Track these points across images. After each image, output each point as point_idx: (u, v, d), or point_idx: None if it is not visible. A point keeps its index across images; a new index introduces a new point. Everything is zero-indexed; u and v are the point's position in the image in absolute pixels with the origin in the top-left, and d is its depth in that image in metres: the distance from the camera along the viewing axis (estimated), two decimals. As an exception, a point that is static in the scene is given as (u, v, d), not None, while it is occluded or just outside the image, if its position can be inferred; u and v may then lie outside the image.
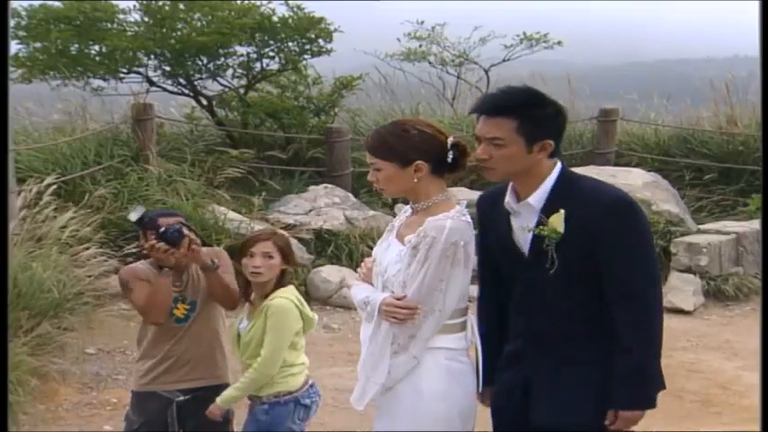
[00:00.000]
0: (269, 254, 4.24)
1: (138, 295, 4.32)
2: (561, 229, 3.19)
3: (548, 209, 3.24)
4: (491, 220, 3.43)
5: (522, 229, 3.31)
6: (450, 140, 3.41)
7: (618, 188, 3.41)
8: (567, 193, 3.26)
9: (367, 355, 3.44)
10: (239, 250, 4.32)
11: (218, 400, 4.21)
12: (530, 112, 3.23)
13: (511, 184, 3.35)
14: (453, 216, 3.32)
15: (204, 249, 4.49)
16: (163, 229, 4.17)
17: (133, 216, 4.25)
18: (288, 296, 4.28)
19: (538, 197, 3.28)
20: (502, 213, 3.35)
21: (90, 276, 7.55)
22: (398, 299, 3.34)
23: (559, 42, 14.02)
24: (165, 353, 4.31)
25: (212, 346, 4.40)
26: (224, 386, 4.43)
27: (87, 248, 7.85)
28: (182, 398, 4.30)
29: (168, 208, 8.14)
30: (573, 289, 3.26)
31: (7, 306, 4.95)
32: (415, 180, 3.36)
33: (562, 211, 3.20)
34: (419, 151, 3.36)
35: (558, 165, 3.31)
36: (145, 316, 4.36)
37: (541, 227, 3.23)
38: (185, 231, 4.19)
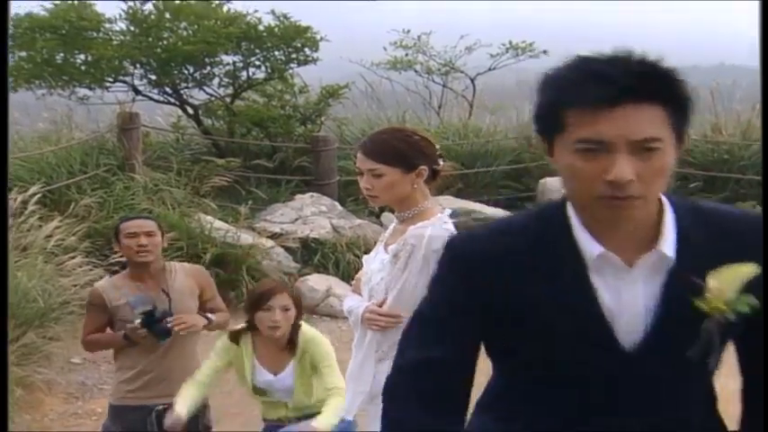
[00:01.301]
0: (286, 306, 4.17)
1: (88, 323, 4.43)
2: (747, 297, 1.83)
3: (690, 262, 1.87)
4: (515, 281, 1.92)
5: (623, 301, 1.88)
6: (437, 147, 3.42)
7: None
8: (704, 228, 1.92)
9: (353, 364, 3.45)
10: (253, 303, 4.21)
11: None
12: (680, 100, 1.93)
13: (579, 223, 1.89)
14: (434, 224, 3.32)
15: (186, 265, 4.56)
16: (149, 319, 4.20)
17: (140, 309, 4.25)
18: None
19: (669, 243, 1.89)
20: (558, 274, 1.89)
21: (75, 285, 7.52)
22: (380, 306, 3.34)
23: (545, 51, 14.06)
24: (144, 367, 4.30)
25: (190, 363, 4.39)
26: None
27: (73, 258, 7.83)
28: (161, 406, 4.29)
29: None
30: (701, 376, 2.04)
31: (7, 308, 4.93)
32: (414, 186, 3.35)
33: (751, 267, 1.83)
34: (423, 156, 3.36)
35: None
36: (82, 343, 4.49)
37: (708, 297, 1.83)
38: (170, 325, 4.24)
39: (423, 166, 3.34)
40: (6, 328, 4.93)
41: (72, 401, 6.64)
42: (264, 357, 4.25)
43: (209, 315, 4.43)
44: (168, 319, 4.24)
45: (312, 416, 4.14)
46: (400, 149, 3.34)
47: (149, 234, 4.30)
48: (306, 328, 4.26)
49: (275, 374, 4.23)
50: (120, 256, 7.62)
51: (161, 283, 4.33)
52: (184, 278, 4.40)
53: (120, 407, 4.37)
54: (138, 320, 4.19)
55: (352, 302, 3.49)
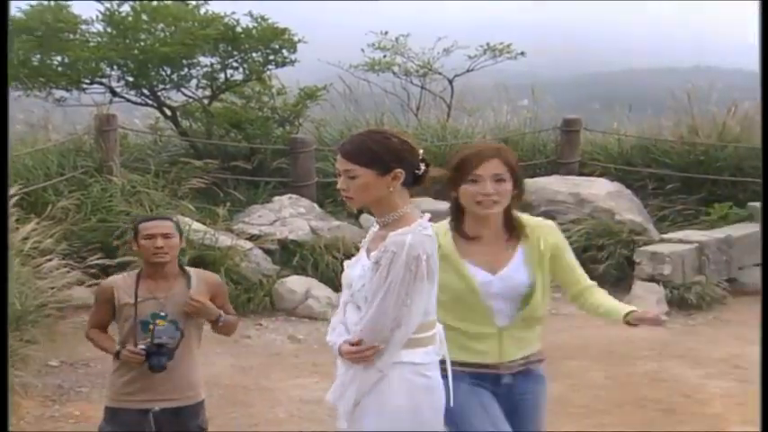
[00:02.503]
0: (500, 176, 3.49)
1: (94, 316, 4.45)
2: None
3: None
4: None
5: None
6: (420, 153, 3.39)
7: None
8: None
9: (336, 383, 3.43)
10: (455, 171, 3.58)
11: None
12: None
13: None
14: (414, 230, 3.29)
15: (201, 272, 4.53)
16: (155, 350, 4.17)
17: (161, 340, 4.22)
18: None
19: None
20: None
21: (52, 288, 7.48)
22: (353, 344, 3.31)
23: (522, 53, 14.12)
24: (145, 370, 4.26)
25: (189, 366, 4.36)
26: (200, 403, 4.40)
27: (50, 260, 7.79)
28: (158, 408, 4.27)
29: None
30: None
31: (7, 310, 4.91)
32: (390, 189, 3.32)
33: None
34: (399, 159, 3.32)
35: None
36: (87, 335, 4.48)
37: None
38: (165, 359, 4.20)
39: (398, 170, 3.31)
40: (6, 329, 4.91)
41: (49, 404, 6.60)
42: (473, 249, 3.68)
43: (222, 314, 4.39)
44: (162, 360, 4.21)
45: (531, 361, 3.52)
46: (375, 151, 3.32)
47: (166, 236, 4.28)
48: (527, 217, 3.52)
49: (494, 273, 3.71)
50: (105, 256, 7.65)
51: (174, 287, 4.31)
52: (198, 285, 4.37)
53: (118, 409, 4.34)
54: (141, 346, 4.17)
55: (329, 333, 3.47)
